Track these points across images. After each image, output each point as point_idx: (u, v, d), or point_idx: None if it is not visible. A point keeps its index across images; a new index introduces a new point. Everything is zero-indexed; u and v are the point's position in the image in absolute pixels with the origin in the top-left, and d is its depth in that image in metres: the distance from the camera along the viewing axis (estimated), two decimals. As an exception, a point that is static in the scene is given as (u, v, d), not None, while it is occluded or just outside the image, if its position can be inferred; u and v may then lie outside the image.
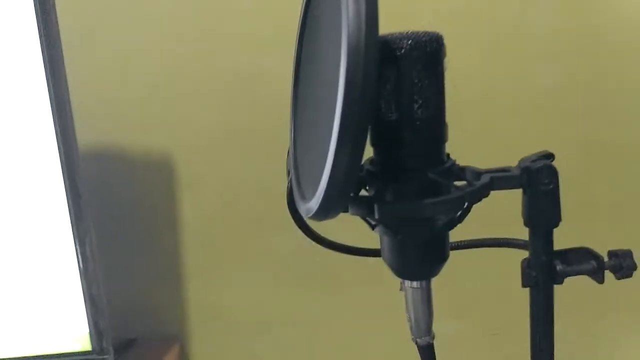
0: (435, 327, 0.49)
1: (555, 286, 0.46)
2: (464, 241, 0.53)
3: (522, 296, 0.48)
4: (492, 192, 0.43)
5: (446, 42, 0.43)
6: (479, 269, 0.95)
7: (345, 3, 0.32)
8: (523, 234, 0.47)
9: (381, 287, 0.50)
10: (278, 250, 0.96)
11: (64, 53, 0.71)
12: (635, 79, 0.94)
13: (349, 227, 0.50)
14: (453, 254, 0.52)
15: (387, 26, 0.39)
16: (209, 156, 0.94)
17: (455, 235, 0.48)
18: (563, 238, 0.46)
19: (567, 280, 0.47)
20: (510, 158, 0.47)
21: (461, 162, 0.45)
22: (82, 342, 0.78)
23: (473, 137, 0.90)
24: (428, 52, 0.39)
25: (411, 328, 0.47)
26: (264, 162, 0.93)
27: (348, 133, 0.32)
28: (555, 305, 0.46)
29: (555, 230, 0.45)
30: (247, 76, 0.92)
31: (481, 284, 0.98)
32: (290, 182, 0.46)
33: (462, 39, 0.90)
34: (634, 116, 0.96)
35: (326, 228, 0.50)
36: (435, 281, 0.47)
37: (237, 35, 0.91)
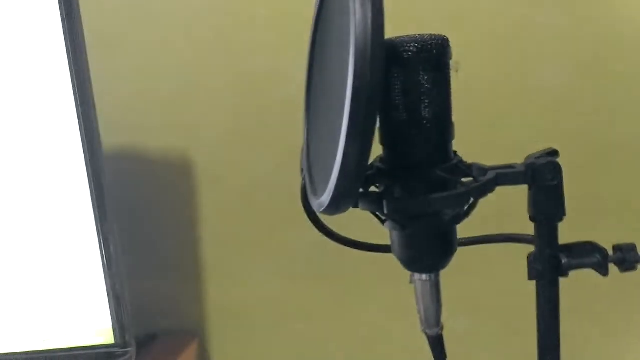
0: (447, 323, 0.50)
1: (569, 283, 0.48)
2: (473, 237, 0.54)
3: (534, 293, 0.49)
4: (502, 189, 0.45)
5: (452, 42, 0.45)
6: (491, 266, 0.96)
7: (352, 8, 0.35)
8: (531, 229, 0.48)
9: (396, 282, 0.52)
10: (295, 247, 0.98)
11: (91, 62, 0.73)
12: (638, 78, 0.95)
13: (362, 224, 0.51)
14: (465, 251, 0.54)
15: (393, 29, 0.41)
16: (226, 155, 0.97)
17: (466, 231, 0.50)
18: (570, 233, 0.48)
19: (581, 279, 0.49)
20: (517, 156, 0.49)
21: (469, 159, 0.47)
22: (105, 335, 0.80)
23: (480, 134, 0.91)
24: (434, 54, 0.41)
25: (421, 319, 0.49)
26: (279, 161, 0.95)
27: (356, 132, 0.34)
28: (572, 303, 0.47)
29: (562, 225, 0.47)
30: (262, 78, 0.94)
31: (493, 280, 0.99)
32: (304, 179, 0.48)
33: (468, 39, 0.91)
34: (637, 115, 0.96)
35: (340, 225, 0.52)
36: (447, 277, 0.49)
37: (252, 39, 0.93)
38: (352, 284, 1.00)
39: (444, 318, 0.50)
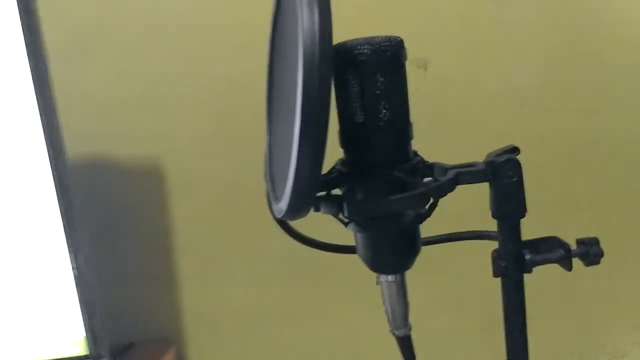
0: (426, 321, 0.50)
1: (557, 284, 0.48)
2: (438, 236, 0.54)
3: None
4: (470, 187, 0.45)
5: (426, 42, 0.45)
6: (469, 263, 0.96)
7: (300, 12, 0.34)
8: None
9: (374, 283, 0.52)
10: (270, 252, 0.97)
11: (52, 62, 0.72)
12: (612, 75, 0.96)
13: (336, 226, 0.51)
14: (442, 248, 0.54)
15: (361, 31, 0.41)
16: (199, 161, 0.96)
17: (433, 230, 0.50)
18: (544, 230, 0.48)
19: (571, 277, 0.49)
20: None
21: (439, 159, 0.47)
22: (78, 346, 0.79)
23: (454, 134, 0.91)
24: (388, 56, 0.41)
25: (388, 320, 0.49)
26: (253, 166, 0.94)
27: (307, 136, 0.34)
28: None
29: (535, 222, 0.47)
30: (236, 82, 0.93)
31: (471, 278, 0.99)
32: (267, 185, 0.48)
33: (442, 39, 0.92)
34: (612, 111, 0.97)
35: (315, 229, 0.52)
36: (425, 276, 0.49)
37: (227, 42, 0.92)
38: (329, 286, 1.00)
39: (424, 316, 0.50)
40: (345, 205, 0.42)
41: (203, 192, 0.97)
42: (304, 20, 0.34)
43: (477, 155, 0.49)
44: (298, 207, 0.37)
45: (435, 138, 0.45)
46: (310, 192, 0.36)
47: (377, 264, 0.47)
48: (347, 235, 0.51)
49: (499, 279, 0.50)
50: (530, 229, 0.47)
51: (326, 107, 0.34)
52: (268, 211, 0.49)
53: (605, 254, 0.48)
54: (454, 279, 0.99)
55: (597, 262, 0.48)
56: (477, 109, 0.95)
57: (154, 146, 0.95)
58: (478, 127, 0.95)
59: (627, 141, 0.98)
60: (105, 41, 0.92)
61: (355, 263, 0.56)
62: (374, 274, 0.49)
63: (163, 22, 0.92)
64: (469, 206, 0.51)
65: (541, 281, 0.53)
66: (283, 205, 0.38)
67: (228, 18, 0.92)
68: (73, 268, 0.76)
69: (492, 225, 0.55)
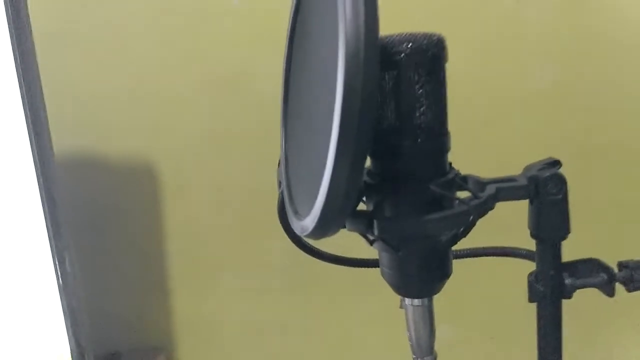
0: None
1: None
2: (465, 250, 0.50)
3: (518, 301, 0.46)
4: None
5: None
6: (476, 274, 0.93)
7: (342, 5, 0.29)
8: (523, 240, 0.45)
9: (372, 295, 0.48)
10: (267, 258, 0.94)
11: (41, 61, 0.67)
12: (630, 79, 0.93)
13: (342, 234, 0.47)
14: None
15: (387, 23, 0.36)
16: (194, 161, 0.92)
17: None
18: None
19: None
20: (507, 159, 0.45)
21: (459, 162, 0.42)
22: (64, 357, 0.75)
23: (467, 137, 0.87)
24: (429, 56, 0.37)
25: (412, 347, 0.45)
26: (251, 167, 0.91)
27: (348, 146, 0.29)
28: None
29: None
30: (232, 78, 0.89)
31: (477, 288, 0.96)
32: (281, 194, 0.43)
33: (456, 39, 0.88)
34: (629, 115, 0.94)
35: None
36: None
37: (221, 38, 0.88)
38: (324, 295, 0.97)
39: None
40: (375, 223, 0.37)
41: (197, 194, 0.93)
42: (347, 12, 0.29)
43: (490, 157, 0.46)
44: (328, 227, 0.33)
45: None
46: (345, 211, 0.32)
47: (404, 287, 0.42)
48: (346, 244, 0.47)
49: (502, 289, 0.47)
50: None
51: (371, 115, 0.29)
52: (266, 216, 0.46)
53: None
54: (456, 288, 0.95)
55: (642, 288, 0.45)
56: (491, 110, 0.92)
57: (145, 144, 0.91)
58: (492, 128, 0.92)
59: None
60: (97, 36, 0.87)
61: (352, 273, 0.52)
62: (373, 284, 0.46)
63: (156, 18, 0.88)
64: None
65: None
66: (309, 223, 0.34)
67: (223, 15, 0.88)
68: (57, 274, 0.71)
69: (506, 237, 0.53)
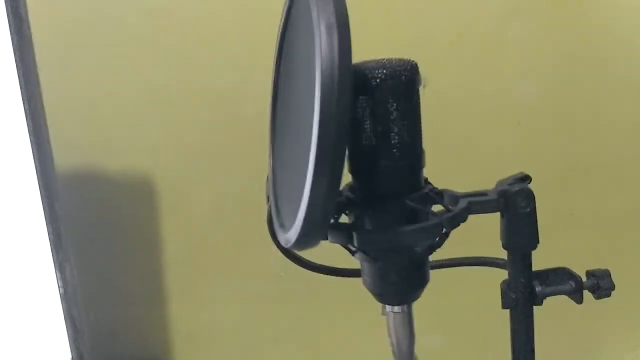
0: (421, 341, 0.49)
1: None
2: (445, 260, 0.53)
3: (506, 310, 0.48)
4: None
5: (428, 58, 0.43)
6: (465, 283, 0.95)
7: (318, 34, 0.32)
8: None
9: (365, 304, 0.50)
10: (262, 268, 0.95)
11: (43, 76, 0.70)
12: (610, 94, 0.96)
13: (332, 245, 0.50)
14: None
15: (361, 49, 0.39)
16: (190, 175, 0.94)
17: (438, 253, 0.48)
18: (543, 251, 0.47)
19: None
20: (489, 173, 0.48)
21: (440, 179, 0.45)
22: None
23: (453, 152, 0.90)
24: (403, 81, 0.39)
25: (393, 352, 0.47)
26: (245, 181, 0.93)
27: (324, 166, 0.32)
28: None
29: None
30: (228, 94, 0.91)
31: (466, 297, 0.99)
32: (269, 207, 0.46)
33: (444, 56, 0.91)
34: (609, 130, 0.97)
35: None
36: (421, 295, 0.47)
37: (217, 56, 0.91)
38: (321, 304, 0.99)
39: (418, 335, 0.48)
40: (355, 235, 0.40)
41: (194, 207, 0.95)
42: (323, 45, 0.32)
43: (476, 172, 0.48)
44: (308, 239, 0.36)
45: (433, 155, 0.44)
46: (323, 225, 0.35)
47: (384, 295, 0.45)
48: (341, 254, 0.50)
49: (491, 298, 0.49)
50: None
51: (344, 138, 0.32)
52: (261, 228, 0.48)
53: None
54: (448, 298, 0.97)
55: (608, 295, 0.47)
56: (476, 127, 0.94)
57: (143, 158, 0.93)
58: (477, 144, 0.95)
59: (626, 160, 0.98)
60: (99, 56, 0.90)
61: (347, 283, 0.55)
62: (367, 294, 0.47)
63: (155, 34, 0.90)
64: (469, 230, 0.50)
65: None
66: (292, 235, 0.36)
67: (220, 31, 0.90)
68: (59, 285, 0.74)
69: (487, 248, 0.55)
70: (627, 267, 0.98)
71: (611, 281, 0.46)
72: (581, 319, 1.00)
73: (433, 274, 0.47)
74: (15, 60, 0.68)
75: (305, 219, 0.34)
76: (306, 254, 0.51)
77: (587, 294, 0.47)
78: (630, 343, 1.05)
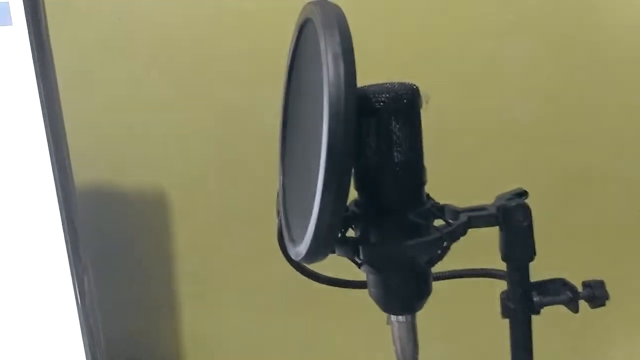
0: (422, 350, 0.51)
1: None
2: (446, 272, 0.55)
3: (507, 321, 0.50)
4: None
5: (427, 78, 0.46)
6: (466, 292, 0.97)
7: (325, 62, 0.35)
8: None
9: (369, 315, 0.52)
10: (269, 279, 0.97)
11: (63, 94, 0.72)
12: (609, 111, 0.98)
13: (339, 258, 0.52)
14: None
15: (362, 70, 0.42)
16: (201, 190, 0.97)
17: (441, 265, 0.51)
18: (541, 263, 0.49)
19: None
20: (488, 190, 0.50)
21: (440, 194, 0.48)
22: (80, 375, 0.79)
23: (453, 168, 0.92)
24: (405, 103, 0.42)
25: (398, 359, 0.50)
26: (253, 195, 0.95)
27: (331, 187, 0.35)
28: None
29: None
30: (239, 111, 0.94)
31: (468, 307, 1.00)
32: (279, 222, 0.48)
33: (436, 76, 0.93)
34: (606, 145, 0.99)
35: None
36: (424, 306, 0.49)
37: (228, 73, 0.93)
38: (326, 316, 1.01)
39: (422, 346, 0.50)
40: (361, 249, 0.42)
41: (205, 220, 0.97)
42: (330, 73, 0.35)
43: (476, 187, 0.50)
44: (317, 252, 0.38)
45: (434, 171, 0.46)
46: (330, 240, 0.37)
47: (389, 305, 0.47)
48: (346, 266, 0.52)
49: (492, 308, 0.51)
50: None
51: (350, 160, 0.35)
52: (268, 240, 0.50)
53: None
54: (447, 306, 0.99)
55: (603, 305, 0.49)
56: (475, 143, 0.97)
57: (157, 174, 0.96)
58: (477, 159, 0.97)
59: (620, 174, 1.00)
60: (113, 71, 0.93)
61: (353, 293, 0.57)
62: (372, 305, 0.49)
63: (168, 52, 0.93)
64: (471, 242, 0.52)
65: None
66: (302, 249, 0.39)
67: (230, 48, 0.93)
68: (76, 296, 0.76)
69: (487, 260, 0.57)
70: (625, 277, 1.00)
71: (605, 291, 0.48)
72: (582, 329, 1.02)
73: (437, 285, 0.49)
74: (37, 77, 0.71)
75: (315, 234, 0.37)
76: (315, 267, 0.54)
77: (583, 303, 0.49)
78: (630, 352, 1.07)
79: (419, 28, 0.94)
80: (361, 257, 0.43)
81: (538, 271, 0.49)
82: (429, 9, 0.93)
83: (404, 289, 0.46)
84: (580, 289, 0.49)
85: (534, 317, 0.49)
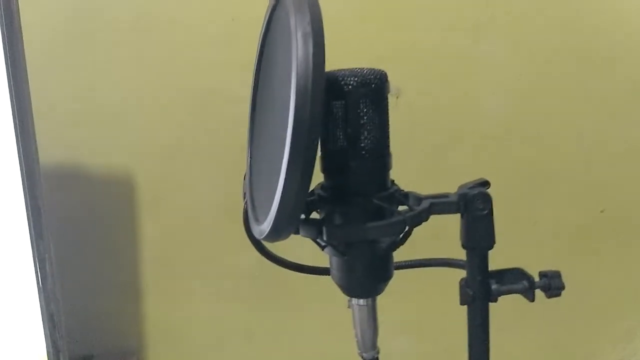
0: (386, 344, 0.52)
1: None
2: (409, 261, 0.56)
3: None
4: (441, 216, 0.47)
5: (400, 71, 0.47)
6: (429, 287, 0.99)
7: (295, 42, 0.36)
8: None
9: (336, 303, 0.53)
10: (236, 268, 0.98)
11: (29, 73, 0.71)
12: (578, 109, 1.01)
13: (305, 246, 0.52)
14: (403, 271, 0.55)
15: (336, 62, 0.43)
16: (169, 176, 0.96)
17: (402, 255, 0.52)
18: (507, 253, 0.50)
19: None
20: (456, 181, 0.51)
21: (412, 187, 0.48)
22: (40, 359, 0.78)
23: (422, 160, 0.94)
24: (373, 88, 0.43)
25: (358, 343, 0.50)
26: (223, 181, 0.95)
27: (296, 164, 0.35)
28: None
29: (501, 248, 0.49)
30: (208, 95, 0.94)
31: (431, 301, 1.02)
32: (245, 204, 0.48)
33: (410, 71, 0.95)
34: (574, 142, 1.02)
35: (283, 247, 0.53)
36: (386, 298, 0.50)
37: (199, 58, 0.93)
38: (293, 304, 1.01)
39: (384, 338, 0.51)
40: (325, 230, 0.43)
41: (173, 204, 0.97)
42: (299, 51, 0.35)
43: (442, 180, 0.51)
44: (281, 230, 0.39)
45: (404, 164, 0.47)
46: (295, 216, 0.38)
47: (350, 288, 0.48)
48: (314, 254, 0.53)
49: (455, 302, 0.52)
50: (492, 257, 0.49)
51: (316, 138, 0.35)
52: (237, 226, 0.50)
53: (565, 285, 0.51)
54: (416, 301, 1.00)
55: (559, 295, 0.51)
56: (445, 137, 0.98)
57: (124, 156, 0.95)
58: (445, 153, 0.98)
59: (587, 172, 1.03)
60: (83, 53, 0.92)
61: (320, 282, 0.57)
62: (340, 294, 0.50)
63: (139, 37, 0.93)
64: (433, 232, 0.53)
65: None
66: (265, 227, 0.39)
67: (202, 34, 0.93)
68: (38, 279, 0.75)
69: (446, 250, 0.58)
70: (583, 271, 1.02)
71: (561, 281, 0.50)
72: (569, 334, 1.04)
73: (399, 275, 0.50)
74: (5, 56, 0.70)
75: (278, 212, 0.37)
76: (279, 251, 0.54)
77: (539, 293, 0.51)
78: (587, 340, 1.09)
79: (393, 23, 0.95)
80: (325, 238, 0.43)
81: (498, 263, 0.50)
82: (405, 3, 0.94)
83: (365, 272, 0.46)
84: (537, 279, 0.51)
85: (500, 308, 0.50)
